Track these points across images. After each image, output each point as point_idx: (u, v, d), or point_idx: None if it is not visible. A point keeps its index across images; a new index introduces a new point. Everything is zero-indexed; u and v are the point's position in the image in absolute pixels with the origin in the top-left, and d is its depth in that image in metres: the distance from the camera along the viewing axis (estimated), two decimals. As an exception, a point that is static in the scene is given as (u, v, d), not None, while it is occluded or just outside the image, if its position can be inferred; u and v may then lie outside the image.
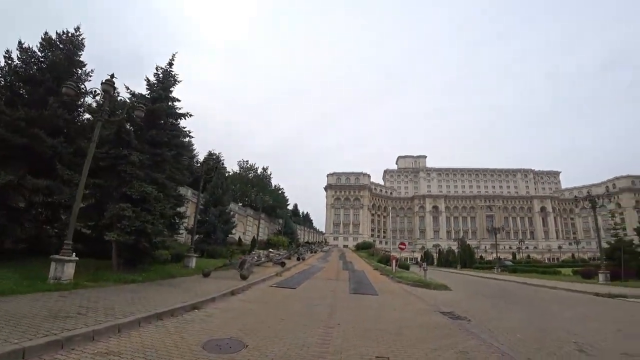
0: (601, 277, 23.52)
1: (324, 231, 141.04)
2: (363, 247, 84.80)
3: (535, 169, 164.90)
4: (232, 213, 36.81)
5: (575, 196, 24.73)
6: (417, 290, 16.67)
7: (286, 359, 5.25)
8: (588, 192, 25.67)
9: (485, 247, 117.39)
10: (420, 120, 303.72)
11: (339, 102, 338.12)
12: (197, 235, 31.58)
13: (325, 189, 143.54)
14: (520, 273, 39.61)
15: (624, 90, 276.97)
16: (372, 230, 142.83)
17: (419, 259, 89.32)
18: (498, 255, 52.38)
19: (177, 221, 27.08)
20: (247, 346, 5.81)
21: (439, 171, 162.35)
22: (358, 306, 10.94)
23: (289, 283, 16.89)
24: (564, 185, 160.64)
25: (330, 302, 11.35)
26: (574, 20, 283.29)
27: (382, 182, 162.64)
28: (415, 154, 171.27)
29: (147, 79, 17.80)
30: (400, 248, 30.00)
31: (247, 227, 57.95)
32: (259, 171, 69.19)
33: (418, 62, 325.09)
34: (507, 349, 6.05)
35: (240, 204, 60.60)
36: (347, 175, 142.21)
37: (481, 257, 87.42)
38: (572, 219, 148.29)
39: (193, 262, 19.70)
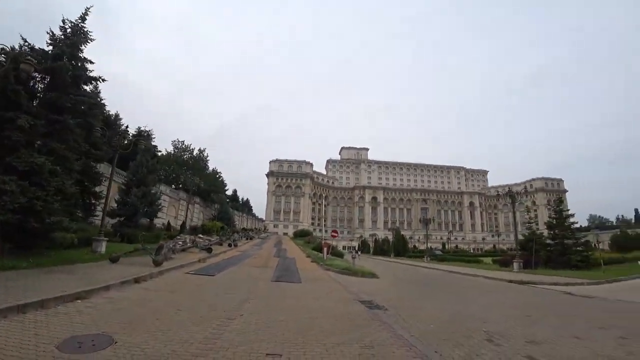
0: (515, 265, 25.35)
1: (264, 218, 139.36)
2: (301, 235, 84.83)
3: (467, 167, 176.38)
4: (158, 195, 34.11)
5: (498, 192, 26.52)
6: (344, 278, 16.41)
7: (157, 357, 4.35)
8: (509, 189, 27.41)
9: (419, 237, 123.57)
10: (365, 113, 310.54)
11: (287, 91, 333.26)
12: (118, 218, 29.02)
13: (267, 175, 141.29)
14: (447, 262, 41.83)
15: (541, 105, 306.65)
16: (313, 218, 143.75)
17: (356, 248, 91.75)
18: (429, 245, 55.17)
19: (93, 202, 24.48)
20: (115, 343, 4.80)
21: (380, 164, 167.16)
22: (274, 295, 10.23)
23: (209, 270, 15.73)
24: (490, 183, 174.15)
25: (245, 291, 10.49)
26: (502, 41, 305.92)
27: (324, 172, 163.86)
28: (358, 146, 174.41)
29: (51, 32, 15.22)
30: (333, 236, 30.03)
31: (179, 211, 54.75)
32: (194, 152, 65.18)
33: (367, 60, 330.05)
34: (416, 340, 5.67)
35: (174, 187, 57.07)
36: (290, 163, 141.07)
37: (414, 246, 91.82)
38: (495, 213, 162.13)
39: (103, 247, 17.63)
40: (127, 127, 50.21)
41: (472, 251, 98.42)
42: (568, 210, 29.99)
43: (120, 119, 49.27)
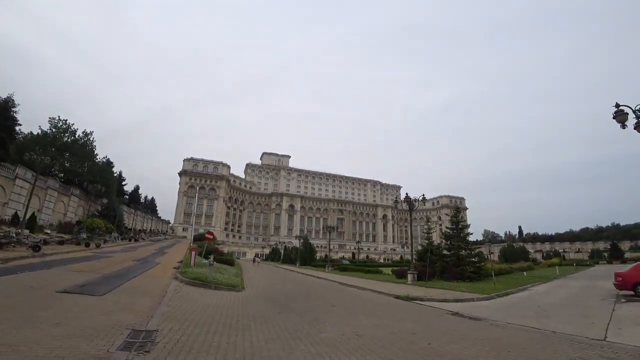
0: (409, 277, 23.38)
1: (172, 221, 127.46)
2: (200, 239, 77.76)
3: (383, 182, 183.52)
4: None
5: (396, 199, 25.32)
6: (186, 290, 12.40)
7: None
8: (407, 195, 25.93)
9: (333, 246, 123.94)
10: (290, 121, 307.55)
11: (209, 88, 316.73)
12: None
13: (180, 174, 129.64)
14: (348, 272, 39.58)
15: (455, 129, 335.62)
16: (227, 223, 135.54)
17: (258, 255, 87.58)
18: (329, 254, 53.33)
19: None
20: None
21: (300, 172, 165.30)
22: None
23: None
24: (402, 198, 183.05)
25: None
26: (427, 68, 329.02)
27: (243, 176, 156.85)
28: (280, 153, 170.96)
29: None
30: (207, 238, 25.55)
31: (44, 203, 45.12)
32: (77, 134, 54.79)
33: (299, 69, 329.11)
34: None
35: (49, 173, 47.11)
36: (206, 163, 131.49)
37: (326, 255, 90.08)
38: (406, 226, 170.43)
39: None
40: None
41: (382, 261, 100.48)
42: (465, 221, 29.50)
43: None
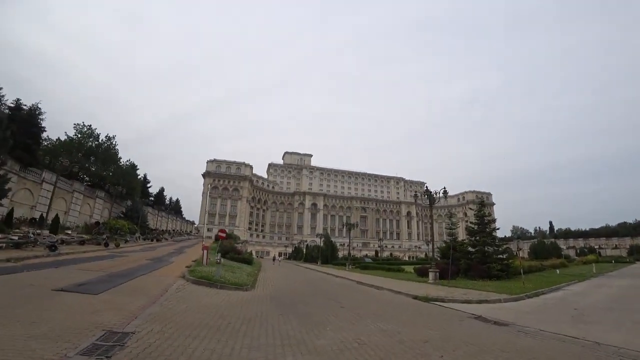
0: (431, 275, 22.05)
1: (196, 222, 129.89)
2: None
3: (406, 178, 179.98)
4: (9, 176, 26.70)
5: (416, 193, 24.19)
6: (191, 289, 12.06)
7: None
8: (426, 188, 24.69)
9: (357, 244, 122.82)
10: (308, 121, 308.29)
11: (230, 89, 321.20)
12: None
13: (204, 176, 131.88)
14: (369, 270, 38.52)
15: (475, 125, 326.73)
16: (250, 223, 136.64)
17: (278, 255, 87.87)
18: (350, 252, 52.10)
19: None
20: None
21: (322, 170, 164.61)
22: None
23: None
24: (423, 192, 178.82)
25: None
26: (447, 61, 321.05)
27: (266, 176, 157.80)
28: (302, 152, 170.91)
29: None
30: (220, 236, 25.50)
31: (71, 205, 46.33)
32: (101, 139, 56.19)
33: (319, 66, 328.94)
34: None
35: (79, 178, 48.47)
36: (229, 164, 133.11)
37: (349, 253, 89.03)
38: (431, 223, 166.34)
39: None
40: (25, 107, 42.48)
41: (407, 259, 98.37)
42: (490, 215, 27.77)
43: (-1, 89, 40.70)
